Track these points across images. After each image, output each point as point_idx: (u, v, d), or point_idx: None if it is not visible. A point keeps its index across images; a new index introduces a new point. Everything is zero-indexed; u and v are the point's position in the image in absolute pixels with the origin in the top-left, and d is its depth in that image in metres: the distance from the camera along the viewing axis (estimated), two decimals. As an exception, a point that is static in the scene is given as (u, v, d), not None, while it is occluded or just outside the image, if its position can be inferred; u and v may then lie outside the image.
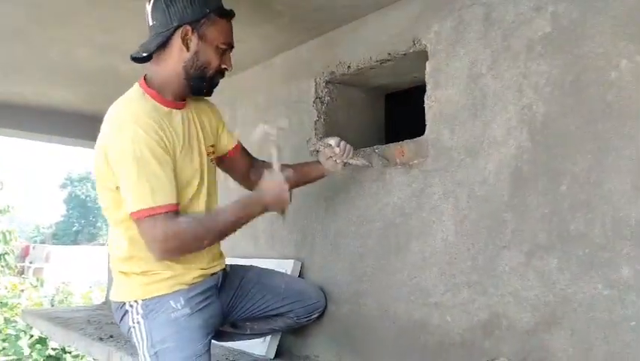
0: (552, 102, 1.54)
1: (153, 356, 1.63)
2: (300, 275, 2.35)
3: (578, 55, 1.50)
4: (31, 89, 3.48)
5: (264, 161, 2.02)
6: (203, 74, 1.69)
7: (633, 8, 1.39)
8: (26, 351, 6.59)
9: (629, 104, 1.38)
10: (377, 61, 2.15)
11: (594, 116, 1.45)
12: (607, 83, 1.43)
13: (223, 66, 1.72)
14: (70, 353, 6.78)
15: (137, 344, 1.68)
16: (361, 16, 2.21)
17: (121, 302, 1.72)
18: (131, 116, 1.58)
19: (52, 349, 6.78)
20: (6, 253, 9.14)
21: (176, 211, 1.58)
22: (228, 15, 1.71)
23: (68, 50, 2.67)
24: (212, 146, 1.85)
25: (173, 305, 1.66)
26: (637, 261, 1.34)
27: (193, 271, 1.71)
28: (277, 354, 2.28)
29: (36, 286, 9.48)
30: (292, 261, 2.37)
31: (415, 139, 1.96)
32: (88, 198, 36.77)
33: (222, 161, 1.96)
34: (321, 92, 2.43)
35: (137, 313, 1.67)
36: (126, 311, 1.70)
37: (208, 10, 1.64)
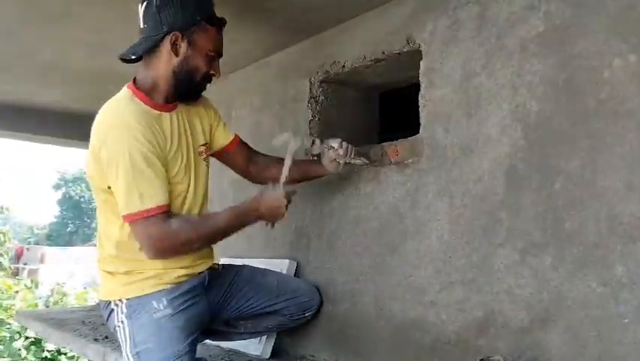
0: (546, 101, 1.55)
1: (135, 356, 1.65)
2: (296, 275, 2.35)
3: (571, 54, 1.50)
4: (23, 88, 3.46)
5: (264, 154, 2.05)
6: (190, 79, 1.71)
7: (625, 7, 1.40)
8: (22, 353, 6.56)
9: (622, 103, 1.39)
10: (371, 60, 2.16)
11: (587, 115, 1.45)
12: (600, 82, 1.43)
13: (211, 72, 1.74)
14: (65, 354, 6.75)
15: (121, 343, 1.71)
16: (355, 16, 2.21)
17: (107, 301, 1.74)
18: (121, 120, 1.60)
19: (47, 351, 6.75)
20: (0, 255, 9.10)
21: (167, 212, 1.61)
22: (219, 23, 1.72)
23: (61, 50, 2.66)
24: (205, 145, 1.86)
25: (156, 306, 1.67)
26: (630, 258, 1.35)
27: (177, 270, 1.73)
28: (273, 354, 2.27)
29: (30, 288, 9.43)
30: (287, 261, 2.37)
31: (409, 138, 1.97)
32: (82, 199, 36.63)
33: (220, 155, 1.99)
34: (316, 91, 2.44)
35: (122, 313, 1.69)
36: (112, 310, 1.72)
37: (199, 18, 1.66)
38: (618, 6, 1.41)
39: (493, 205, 1.66)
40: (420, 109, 1.92)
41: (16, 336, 6.72)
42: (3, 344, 6.63)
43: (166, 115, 1.72)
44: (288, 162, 1.85)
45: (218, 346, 2.39)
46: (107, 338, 2.61)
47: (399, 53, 2.05)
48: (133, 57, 1.69)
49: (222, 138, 1.95)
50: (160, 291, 1.69)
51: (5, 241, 9.14)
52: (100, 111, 1.65)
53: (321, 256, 2.27)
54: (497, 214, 1.64)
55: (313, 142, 1.98)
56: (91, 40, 2.49)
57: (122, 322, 1.69)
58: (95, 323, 3.04)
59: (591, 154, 1.44)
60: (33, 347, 6.71)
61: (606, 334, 1.38)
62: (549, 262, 1.51)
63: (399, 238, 1.94)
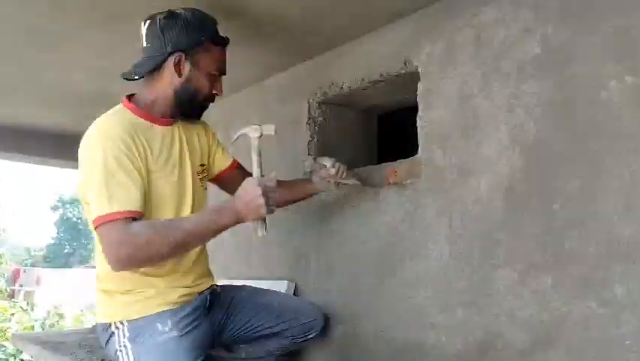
0: (543, 122, 1.56)
1: None
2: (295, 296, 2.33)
3: (567, 75, 1.52)
4: (24, 111, 3.48)
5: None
6: (193, 99, 1.71)
7: (620, 29, 1.42)
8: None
9: (619, 124, 1.40)
10: (369, 82, 2.17)
11: (585, 136, 1.46)
12: (597, 103, 1.45)
13: (214, 92, 1.74)
14: (60, 378, 6.66)
15: None
16: (354, 38, 2.24)
17: (107, 324, 1.68)
18: (102, 129, 1.58)
19: (42, 374, 6.67)
20: (-4, 277, 9.04)
21: (134, 218, 1.49)
22: (223, 42, 1.72)
23: (63, 73, 2.68)
24: (203, 165, 1.85)
25: (161, 328, 1.62)
26: (630, 279, 1.34)
27: (178, 289, 1.69)
28: (271, 377, 2.25)
29: (26, 310, 9.35)
30: (286, 282, 2.36)
31: (407, 159, 1.97)
32: (79, 221, 36.47)
33: (219, 180, 1.97)
34: (314, 112, 2.45)
35: (124, 337, 1.63)
36: (112, 333, 1.66)
37: (202, 38, 1.66)
38: (613, 29, 1.43)
39: (492, 226, 1.66)
40: (418, 130, 1.93)
41: (11, 359, 6.64)
42: (-2, 367, 6.55)
43: (160, 128, 1.70)
44: (255, 158, 1.72)
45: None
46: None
47: (397, 75, 2.07)
48: (136, 78, 1.68)
49: (221, 162, 1.94)
50: (164, 312, 1.64)
51: (1, 263, 9.08)
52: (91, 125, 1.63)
53: (320, 278, 2.26)
54: (496, 235, 1.64)
55: (306, 159, 1.97)
56: (92, 63, 2.51)
57: (124, 346, 1.63)
58: (91, 346, 3.00)
59: (590, 175, 1.44)
60: (28, 371, 6.62)
61: (607, 356, 1.37)
62: (549, 283, 1.50)
63: (398, 260, 1.94)
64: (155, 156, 1.64)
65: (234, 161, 1.98)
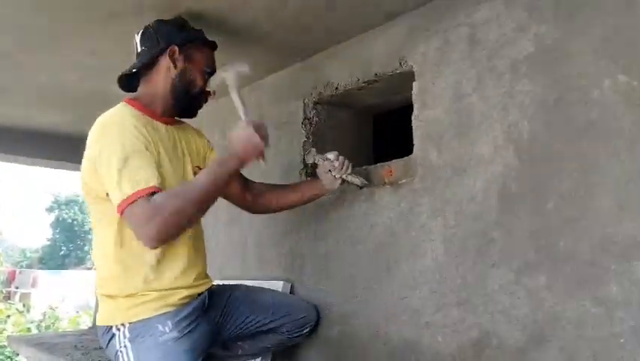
0: (537, 121, 1.56)
1: None
2: (290, 296, 2.33)
3: (561, 74, 1.52)
4: (18, 112, 3.47)
5: (259, 182, 2.07)
6: (187, 91, 1.79)
7: (613, 28, 1.42)
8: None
9: (613, 123, 1.40)
10: (364, 82, 2.18)
11: (579, 135, 1.47)
12: (590, 102, 1.45)
13: (207, 89, 1.83)
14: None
15: None
16: (348, 38, 2.24)
17: (107, 326, 1.69)
18: (114, 119, 1.64)
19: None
20: (-9, 279, 9.03)
21: (154, 193, 1.52)
22: (211, 45, 1.87)
23: (56, 73, 2.67)
24: (199, 167, 1.86)
25: (161, 329, 1.64)
26: (624, 278, 1.35)
27: (180, 290, 1.70)
28: (267, 377, 2.25)
29: (22, 312, 9.34)
30: (282, 282, 2.36)
31: (403, 158, 1.98)
32: (75, 222, 36.40)
33: None
34: (310, 112, 2.45)
35: (125, 337, 1.65)
36: (113, 335, 1.67)
37: (194, 35, 1.81)
38: (607, 28, 1.44)
39: (487, 225, 1.66)
40: (413, 130, 1.93)
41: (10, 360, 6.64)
42: (-7, 370, 6.54)
43: (162, 125, 1.77)
44: (235, 98, 1.80)
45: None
46: (99, 362, 2.57)
47: (392, 75, 2.07)
48: (133, 70, 1.77)
49: None
50: (164, 314, 1.65)
51: (-3, 265, 9.08)
52: (95, 122, 1.65)
53: (316, 278, 2.26)
54: (491, 234, 1.64)
55: (309, 151, 1.99)
56: (86, 63, 2.51)
57: (124, 346, 1.64)
58: (87, 348, 3.00)
59: (584, 173, 1.45)
60: (24, 373, 6.61)
61: (602, 354, 1.37)
62: (543, 282, 1.50)
63: (393, 259, 1.94)
64: (164, 149, 1.70)
65: None
